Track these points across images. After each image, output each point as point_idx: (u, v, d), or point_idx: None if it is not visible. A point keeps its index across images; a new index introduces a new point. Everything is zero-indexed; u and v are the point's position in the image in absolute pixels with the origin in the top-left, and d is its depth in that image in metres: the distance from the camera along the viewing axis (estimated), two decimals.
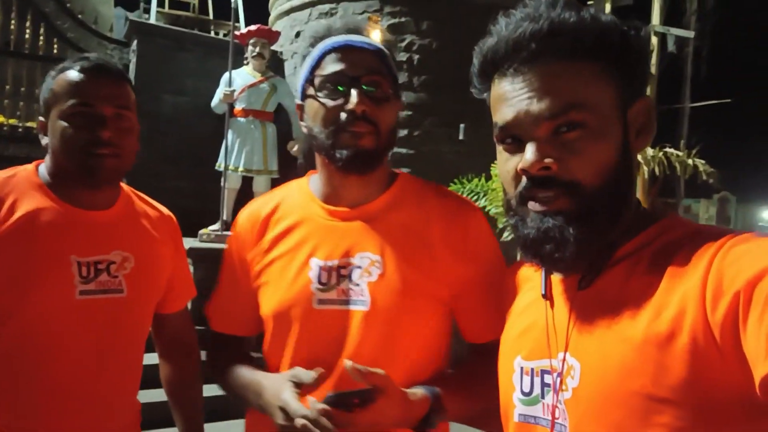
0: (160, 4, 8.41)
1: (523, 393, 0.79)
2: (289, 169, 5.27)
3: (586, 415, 0.68)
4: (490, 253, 1.11)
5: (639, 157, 4.40)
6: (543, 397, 0.76)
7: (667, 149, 4.50)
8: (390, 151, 1.09)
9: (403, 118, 4.78)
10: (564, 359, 0.73)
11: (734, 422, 0.59)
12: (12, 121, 5.43)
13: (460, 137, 4.78)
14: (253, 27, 5.08)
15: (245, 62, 5.14)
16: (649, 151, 4.43)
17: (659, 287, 0.65)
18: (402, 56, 4.81)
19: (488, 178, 4.27)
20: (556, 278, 0.80)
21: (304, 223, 1.09)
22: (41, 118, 1.26)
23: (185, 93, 5.39)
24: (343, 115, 1.01)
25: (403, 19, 4.86)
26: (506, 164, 0.76)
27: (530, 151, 0.70)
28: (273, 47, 5.41)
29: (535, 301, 0.83)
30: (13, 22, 5.41)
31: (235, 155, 4.95)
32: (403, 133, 4.79)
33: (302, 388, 0.94)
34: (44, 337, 1.18)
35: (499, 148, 0.77)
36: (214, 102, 4.93)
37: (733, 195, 25.80)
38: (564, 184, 0.69)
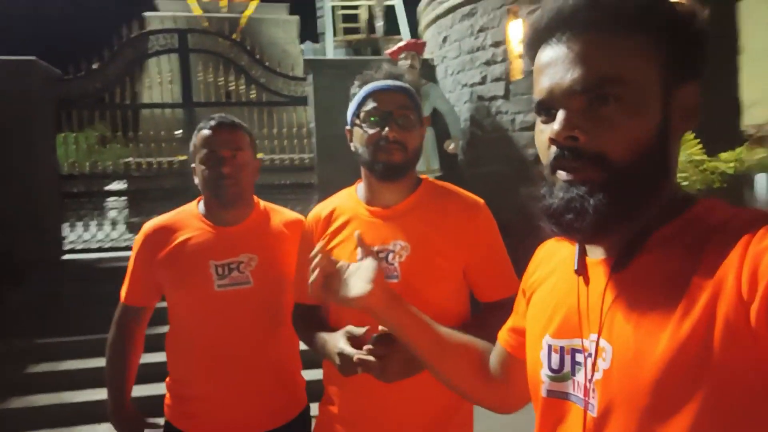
0: (334, 34, 9.56)
1: (551, 370, 0.79)
2: (449, 166, 5.67)
3: (616, 398, 0.68)
4: (491, 235, 1.47)
5: None
6: (574, 374, 0.76)
7: None
8: (415, 164, 1.46)
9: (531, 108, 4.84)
10: (597, 341, 0.72)
11: (765, 407, 0.58)
12: None
13: None
14: (402, 43, 5.59)
15: None
16: None
17: (695, 273, 0.63)
18: None
19: None
20: (593, 260, 0.78)
21: (354, 220, 1.47)
22: (193, 165, 1.71)
23: None
24: (380, 140, 1.40)
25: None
26: (541, 135, 0.75)
27: (558, 120, 0.69)
28: (424, 56, 5.85)
29: (565, 279, 0.82)
30: (221, 78, 6.71)
31: None
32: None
33: (353, 340, 1.26)
34: (197, 321, 1.66)
35: (537, 120, 0.76)
36: None
37: None
38: (590, 156, 0.67)
